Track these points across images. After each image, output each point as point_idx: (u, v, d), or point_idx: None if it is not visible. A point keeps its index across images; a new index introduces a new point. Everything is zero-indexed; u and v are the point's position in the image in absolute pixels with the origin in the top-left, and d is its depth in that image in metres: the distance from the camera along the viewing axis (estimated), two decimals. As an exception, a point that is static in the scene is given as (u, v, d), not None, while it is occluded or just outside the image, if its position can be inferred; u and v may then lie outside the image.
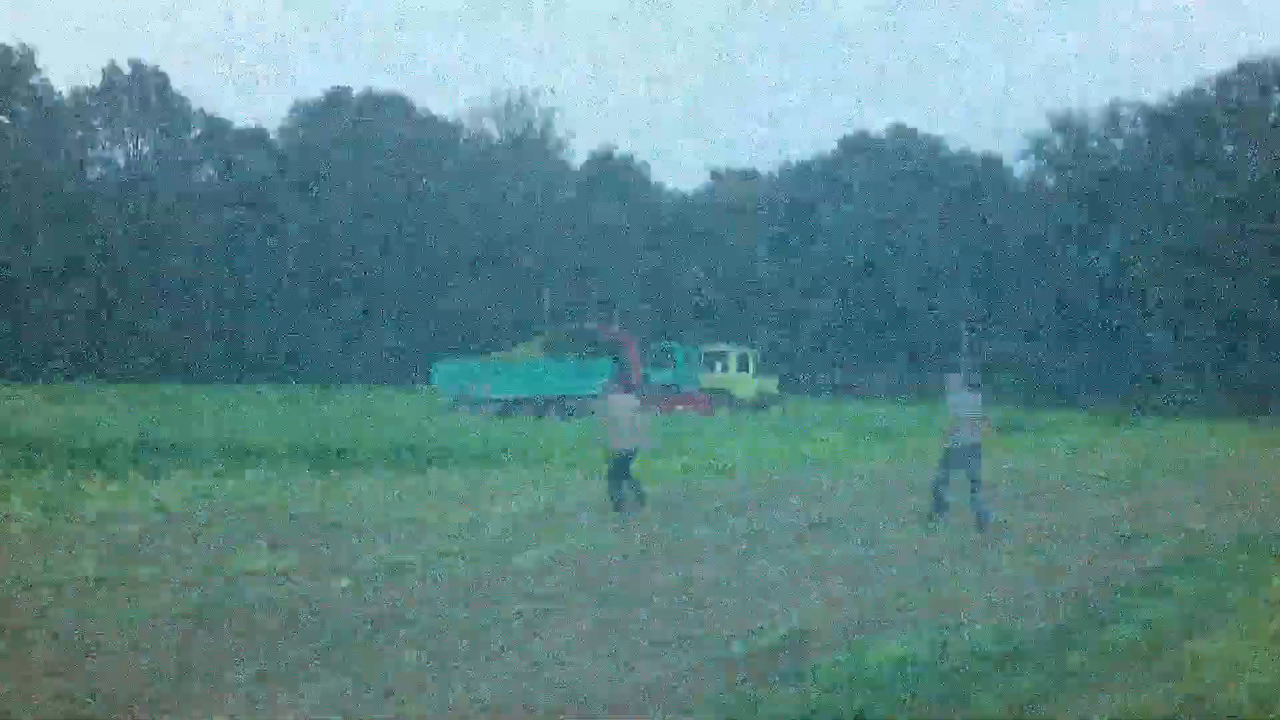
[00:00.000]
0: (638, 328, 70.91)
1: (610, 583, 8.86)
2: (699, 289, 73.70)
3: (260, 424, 22.81)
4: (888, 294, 63.02)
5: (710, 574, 9.31)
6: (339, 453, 17.11)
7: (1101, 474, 20.20)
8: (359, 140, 69.33)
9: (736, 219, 75.37)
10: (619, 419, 13.11)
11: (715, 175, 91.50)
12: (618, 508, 12.76)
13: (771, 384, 39.72)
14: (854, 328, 66.28)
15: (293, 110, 73.86)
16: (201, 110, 66.07)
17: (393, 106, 76.35)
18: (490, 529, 11.41)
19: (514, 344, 35.82)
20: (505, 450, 18.68)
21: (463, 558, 9.77)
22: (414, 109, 76.72)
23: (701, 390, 36.19)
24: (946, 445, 12.46)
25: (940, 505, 12.41)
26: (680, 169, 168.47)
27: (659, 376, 36.94)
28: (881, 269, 62.38)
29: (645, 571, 9.38)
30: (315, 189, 68.07)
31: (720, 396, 36.16)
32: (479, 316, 69.24)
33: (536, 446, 19.67)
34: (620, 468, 12.99)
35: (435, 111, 77.78)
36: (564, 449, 19.47)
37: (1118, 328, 59.02)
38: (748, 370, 38.30)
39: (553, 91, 78.80)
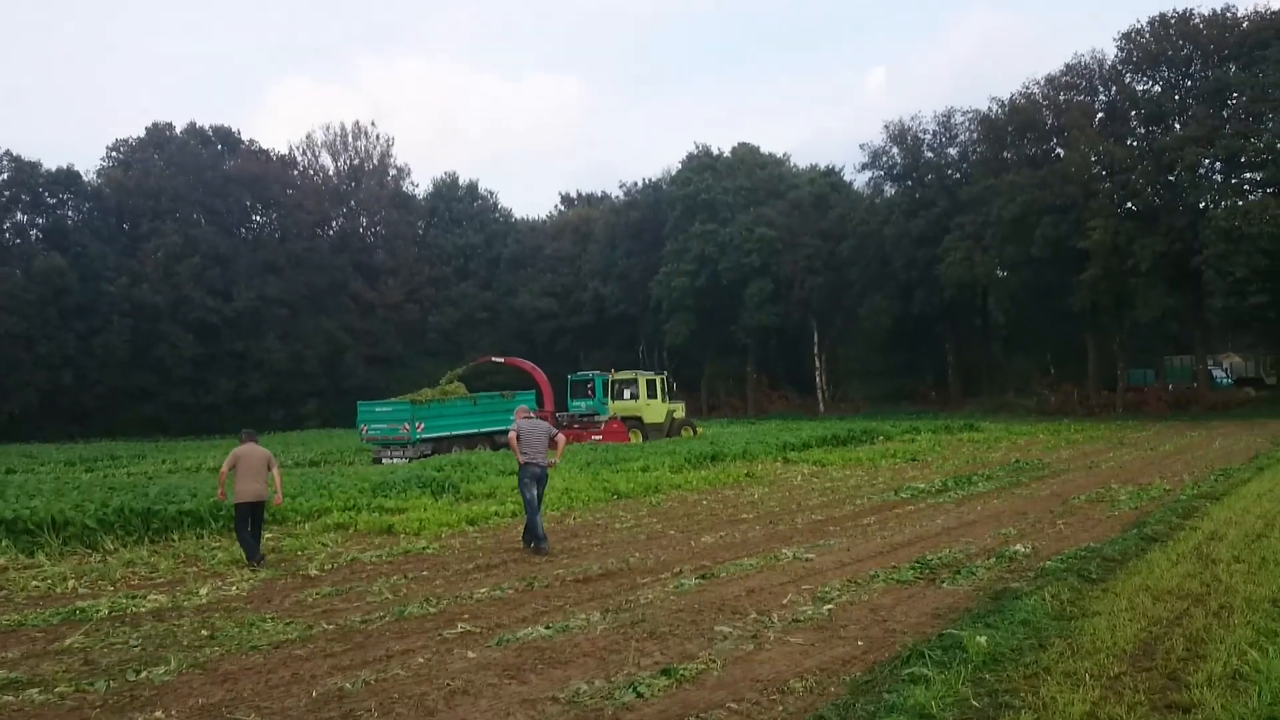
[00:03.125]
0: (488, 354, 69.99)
1: None
2: (552, 314, 72.13)
3: None
4: (736, 311, 62.24)
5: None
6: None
7: (922, 485, 19.12)
8: (186, 175, 65.77)
9: (584, 242, 74.32)
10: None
11: (565, 199, 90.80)
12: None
13: (680, 408, 38.90)
14: (707, 345, 65.59)
15: (111, 149, 70.15)
16: (8, 152, 61.65)
17: (220, 140, 73.17)
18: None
19: (418, 388, 34.86)
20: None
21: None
22: (242, 142, 73.46)
23: (614, 418, 35.59)
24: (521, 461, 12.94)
25: (533, 533, 12.67)
26: (532, 194, 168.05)
27: (576, 406, 37.04)
28: (730, 286, 61.46)
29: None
30: (132, 228, 64.43)
31: (631, 423, 35.48)
32: (319, 359, 66.71)
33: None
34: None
35: (266, 144, 75.11)
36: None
37: (960, 333, 59.70)
38: (656, 396, 37.23)
39: (373, 124, 75.79)
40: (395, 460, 29.36)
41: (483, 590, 9.98)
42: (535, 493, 12.94)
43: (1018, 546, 11.81)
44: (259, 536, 12.63)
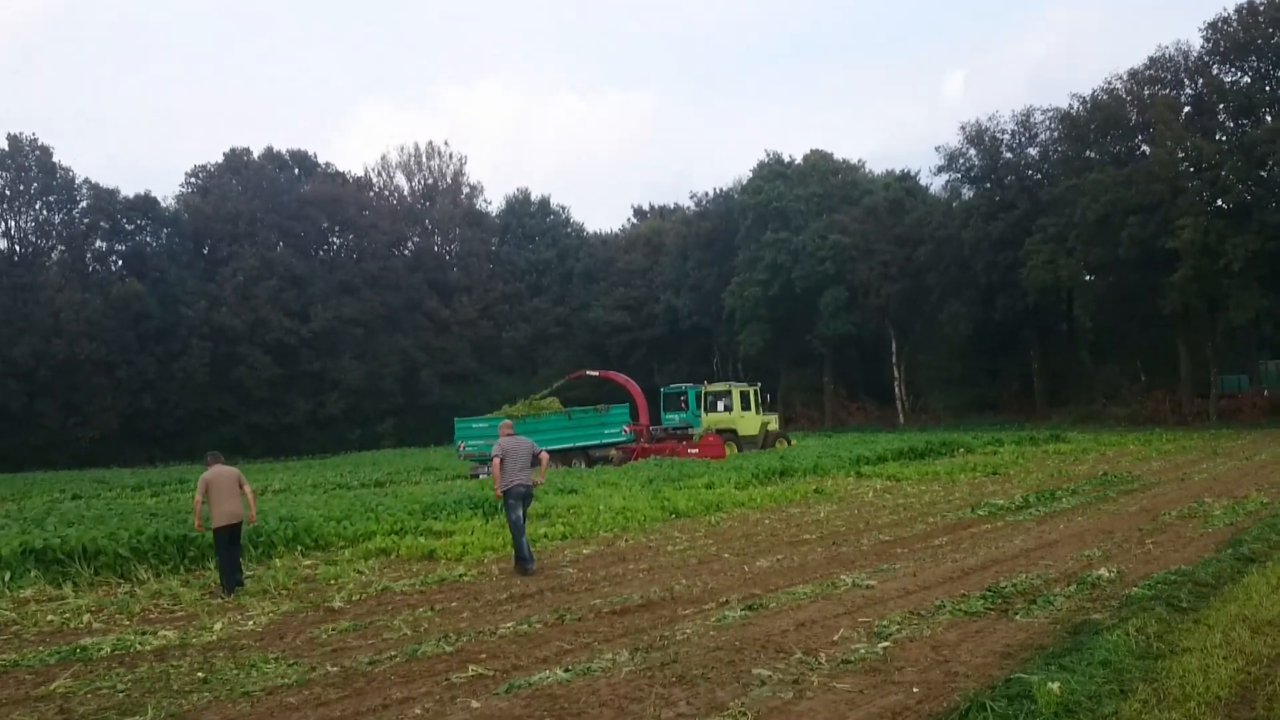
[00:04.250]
0: (565, 369, 69.78)
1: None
2: (625, 327, 71.61)
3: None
4: (811, 320, 61.00)
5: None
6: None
7: (1001, 502, 17.96)
8: (263, 199, 66.99)
9: (656, 254, 73.79)
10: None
11: (638, 212, 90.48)
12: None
13: (774, 420, 37.99)
14: (782, 356, 64.38)
15: (190, 175, 71.66)
16: (88, 180, 63.22)
17: (297, 163, 74.39)
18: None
19: (508, 404, 35.21)
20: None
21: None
22: (318, 165, 74.58)
23: (710, 431, 34.86)
24: (501, 489, 12.73)
25: (523, 559, 12.57)
26: (606, 209, 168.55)
27: (670, 419, 36.69)
28: (804, 295, 60.24)
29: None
30: (211, 252, 65.77)
31: (726, 436, 34.66)
32: (394, 378, 67.16)
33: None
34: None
35: (343, 167, 76.08)
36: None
37: (1045, 339, 57.67)
38: (750, 408, 36.35)
39: (446, 143, 76.50)
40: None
41: (508, 625, 9.25)
42: (521, 513, 12.71)
43: (1101, 570, 10.72)
44: (238, 559, 12.35)
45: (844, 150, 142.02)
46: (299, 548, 15.00)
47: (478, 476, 29.82)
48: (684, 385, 39.18)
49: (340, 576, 12.70)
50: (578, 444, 32.58)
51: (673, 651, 7.96)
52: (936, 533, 14.75)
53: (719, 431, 34.93)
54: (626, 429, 34.18)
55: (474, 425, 32.48)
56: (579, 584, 11.48)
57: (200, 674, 7.90)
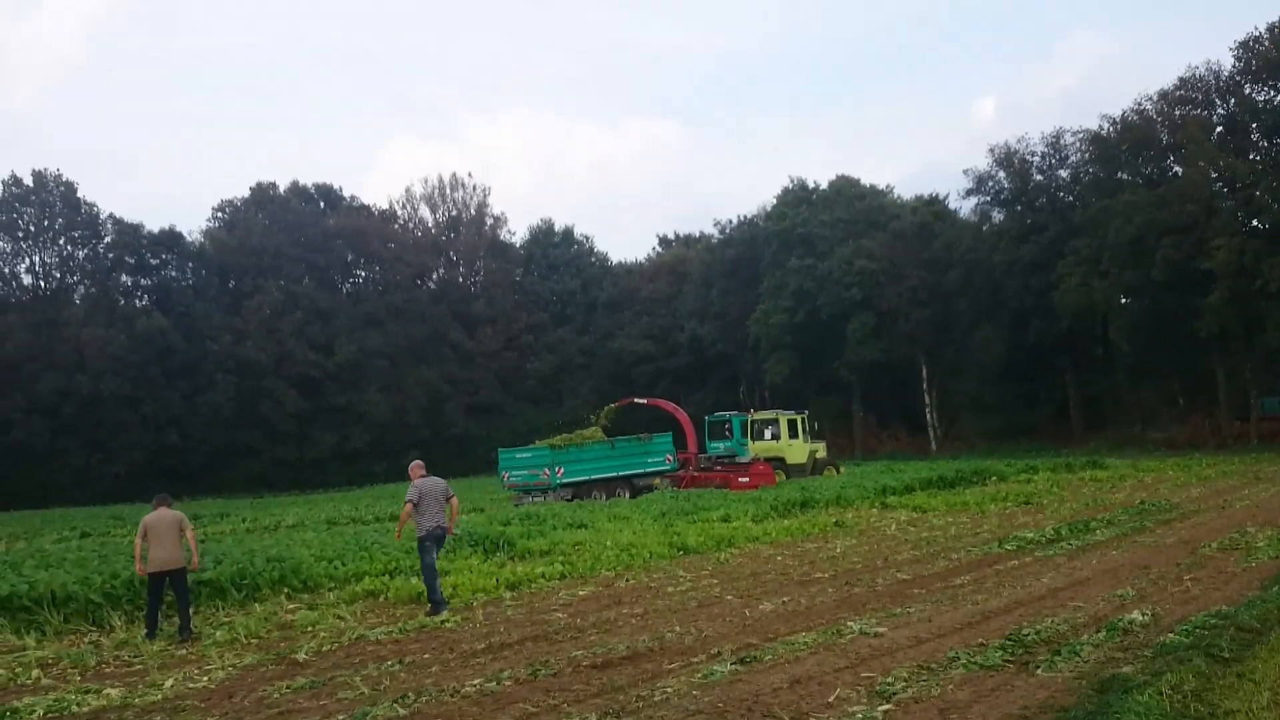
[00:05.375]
0: (590, 399, 69.11)
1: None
2: (649, 356, 70.79)
3: None
4: (838, 347, 59.92)
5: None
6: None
7: (1031, 534, 16.96)
8: (289, 232, 67.10)
9: (680, 282, 73.08)
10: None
11: (663, 241, 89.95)
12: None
13: (821, 448, 37.59)
14: (809, 383, 63.27)
15: (216, 209, 71.81)
16: (112, 215, 63.51)
17: (322, 197, 74.54)
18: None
19: (553, 434, 34.60)
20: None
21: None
22: (344, 198, 74.65)
23: (758, 459, 34.45)
24: (419, 533, 12.49)
25: (436, 602, 12.23)
26: (632, 239, 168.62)
27: (715, 447, 36.23)
28: (831, 321, 59.25)
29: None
30: (236, 286, 65.87)
31: (775, 464, 34.30)
32: (424, 411, 66.74)
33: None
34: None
35: (369, 200, 76.17)
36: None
37: (1080, 363, 56.34)
38: (798, 436, 36.09)
39: (470, 174, 76.65)
40: (536, 504, 28.95)
41: (475, 682, 8.42)
42: (434, 556, 12.56)
43: (1134, 614, 9.77)
44: (186, 607, 11.63)
45: (875, 178, 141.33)
46: (285, 590, 14.29)
47: (521, 505, 29.39)
48: (729, 413, 38.72)
49: (318, 623, 11.95)
50: (621, 473, 32.30)
51: (646, 715, 7.13)
52: (959, 570, 13.80)
53: (767, 460, 34.49)
54: (670, 458, 33.83)
55: (518, 456, 32.42)
56: (565, 631, 10.64)
57: (123, 742, 7.15)
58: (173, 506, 12.28)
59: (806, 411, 38.72)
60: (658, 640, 9.82)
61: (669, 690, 7.82)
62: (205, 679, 9.28)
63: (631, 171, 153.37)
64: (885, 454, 56.48)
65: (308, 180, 73.69)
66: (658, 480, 33.40)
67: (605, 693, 7.90)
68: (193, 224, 71.26)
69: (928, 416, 60.14)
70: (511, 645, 10.04)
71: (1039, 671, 7.88)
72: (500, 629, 10.97)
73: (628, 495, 30.85)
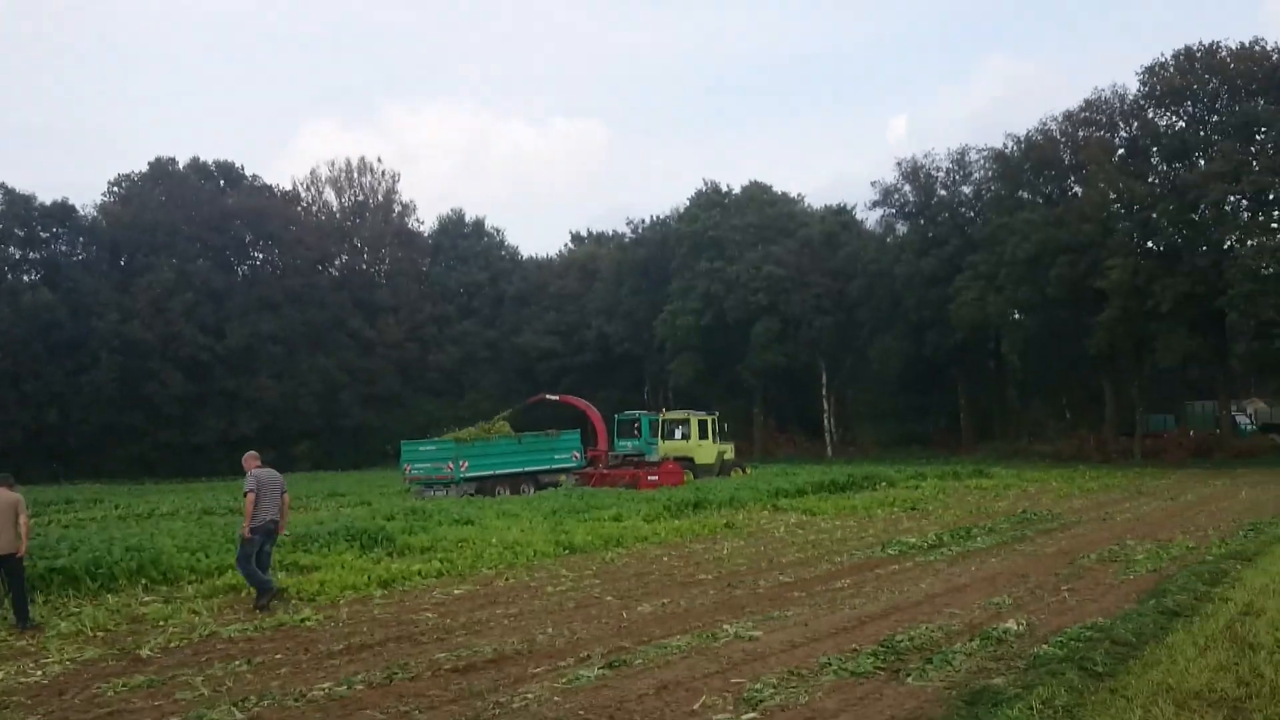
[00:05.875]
0: (493, 394, 68.25)
1: None
2: (555, 353, 70.18)
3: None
4: (743, 351, 60.22)
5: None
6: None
7: (914, 540, 16.99)
8: (185, 209, 64.74)
9: (590, 280, 72.66)
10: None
11: (575, 237, 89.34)
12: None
13: (729, 449, 38.04)
14: (713, 386, 63.39)
15: (113, 184, 69.03)
16: (3, 185, 60.64)
17: (223, 175, 72.11)
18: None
19: (456, 427, 34.73)
20: None
21: None
22: (245, 177, 72.29)
23: (668, 458, 34.67)
24: (250, 526, 11.89)
25: (262, 586, 11.82)
26: (551, 237, 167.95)
27: (623, 446, 36.31)
28: (737, 325, 59.52)
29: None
30: (127, 263, 63.41)
31: (684, 464, 34.55)
32: (314, 400, 65.13)
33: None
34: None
35: (269, 180, 74.00)
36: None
37: (973, 376, 57.51)
38: (708, 436, 36.49)
39: (379, 159, 75.26)
40: (438, 498, 28.59)
41: (325, 686, 7.93)
42: (266, 548, 12.28)
43: (1010, 623, 9.71)
44: (23, 596, 10.90)
45: (787, 188, 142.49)
46: (144, 581, 13.54)
47: (423, 498, 28.76)
48: (638, 412, 39.07)
49: (171, 617, 11.28)
50: (527, 469, 32.15)
51: (500, 724, 6.76)
52: (840, 574, 13.71)
53: (676, 459, 34.70)
54: (577, 455, 33.85)
55: (421, 448, 31.97)
56: (431, 632, 10.19)
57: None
58: (14, 488, 11.43)
59: (717, 413, 39.06)
60: (527, 643, 9.45)
61: (530, 696, 7.45)
62: (40, 673, 8.65)
63: (552, 169, 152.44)
64: (783, 457, 56.92)
65: (209, 157, 71.32)
66: (564, 477, 33.26)
67: (462, 699, 7.49)
68: (92, 199, 67.95)
69: (826, 422, 60.80)
70: (372, 646, 9.55)
71: (909, 680, 7.71)
72: (364, 629, 10.46)
73: (533, 490, 30.73)
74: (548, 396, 40.97)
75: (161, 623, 11.05)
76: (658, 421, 37.15)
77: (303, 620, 10.97)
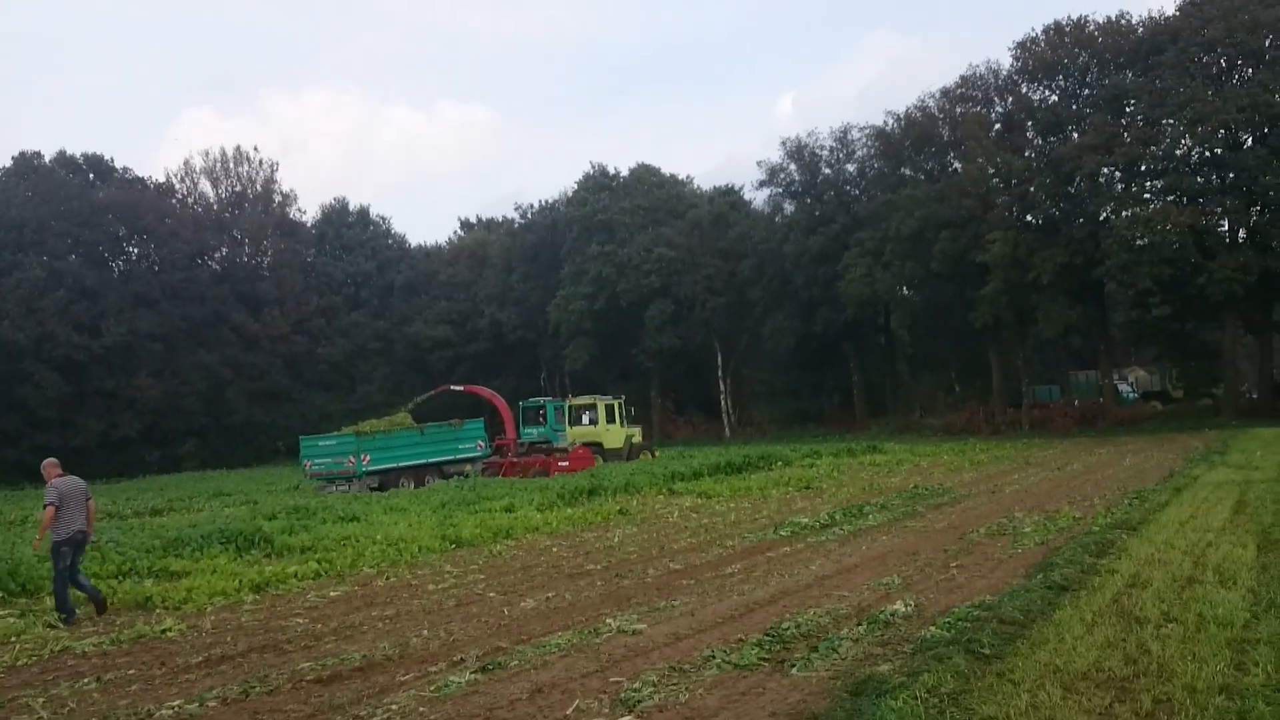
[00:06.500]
0: (384, 386, 66.85)
1: None
2: (448, 342, 69.01)
3: None
4: (637, 334, 60.06)
5: None
6: None
7: (806, 520, 16.91)
8: (53, 205, 61.70)
9: (480, 267, 71.68)
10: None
11: (465, 224, 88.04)
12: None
13: (637, 433, 38.02)
14: (609, 370, 63.15)
15: (-28, 179, 65.40)
16: None
17: (92, 168, 68.98)
18: None
19: (360, 420, 34.19)
20: None
21: None
22: (116, 170, 69.26)
23: (577, 444, 34.33)
24: (56, 538, 11.29)
25: (64, 606, 11.21)
26: (440, 223, 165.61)
27: (528, 433, 36.21)
28: (630, 308, 59.28)
29: None
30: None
31: (592, 449, 34.35)
32: (196, 397, 62.96)
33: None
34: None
35: (143, 173, 70.90)
36: None
37: (864, 352, 58.29)
38: (615, 420, 36.18)
39: (255, 148, 72.83)
40: (341, 493, 28.19)
41: (175, 704, 7.36)
42: (71, 560, 11.49)
43: (898, 605, 9.56)
44: None
45: (678, 170, 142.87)
46: (1, 594, 12.70)
47: (325, 493, 28.73)
48: (543, 399, 39.15)
49: (24, 632, 10.57)
50: (432, 460, 32.17)
51: (360, 739, 6.30)
52: (732, 559, 13.50)
53: (585, 445, 34.57)
54: (481, 444, 33.81)
55: (321, 444, 31.64)
56: (299, 639, 9.63)
57: None
58: None
59: (623, 397, 39.01)
60: (400, 647, 8.96)
61: (395, 707, 6.99)
62: None
63: (441, 156, 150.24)
64: (682, 440, 57.03)
65: (76, 150, 68.18)
66: (469, 467, 32.98)
67: (321, 713, 7.00)
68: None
69: (723, 403, 61.03)
70: (233, 657, 8.97)
71: (794, 671, 7.46)
72: (227, 638, 9.85)
73: (438, 481, 30.63)
74: (452, 387, 40.74)
75: (13, 638, 10.33)
76: (563, 408, 36.99)
77: (164, 631, 10.32)
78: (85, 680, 8.29)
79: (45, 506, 11.32)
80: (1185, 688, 6.37)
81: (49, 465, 12.00)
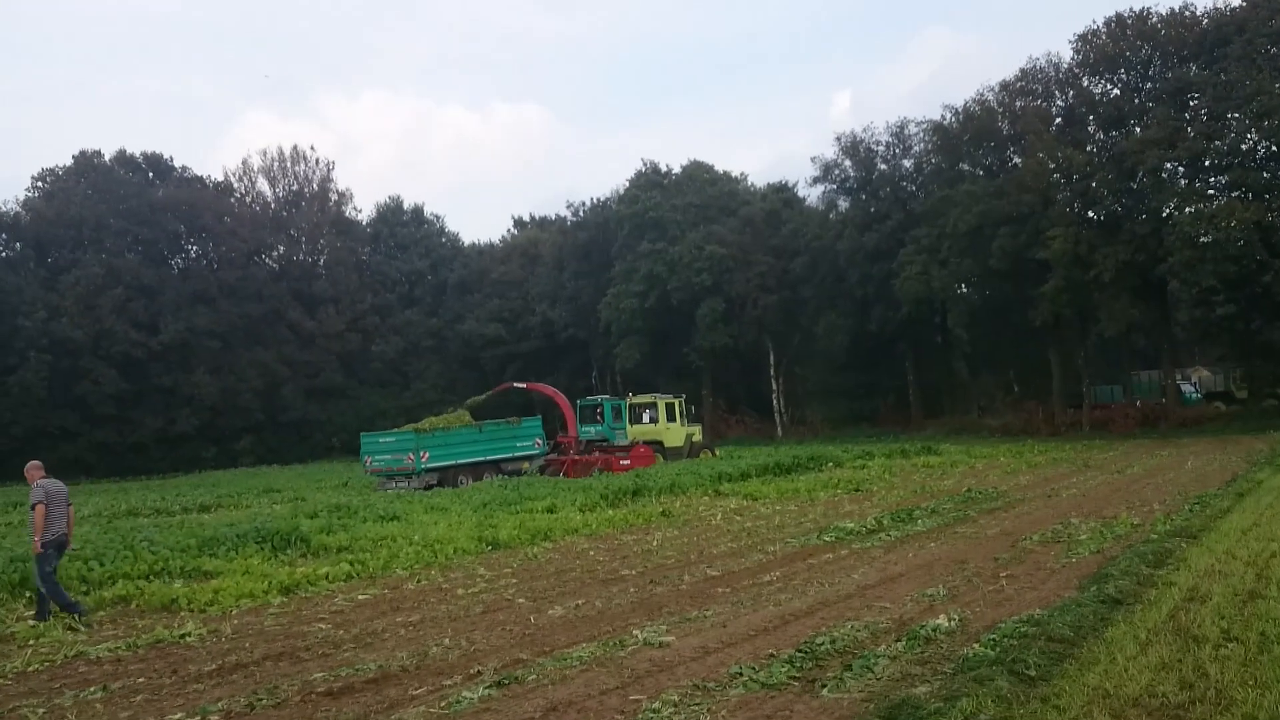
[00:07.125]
0: (438, 383, 67.07)
1: None
2: (500, 340, 69.02)
3: None
4: (689, 332, 59.58)
5: None
6: None
7: (852, 525, 16.37)
8: (112, 203, 62.77)
9: (532, 265, 71.62)
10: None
11: (517, 223, 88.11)
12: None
13: (697, 431, 37.93)
14: (660, 369, 62.71)
15: (37, 179, 66.76)
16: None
17: (151, 167, 70.06)
18: None
19: (413, 417, 35.49)
20: None
21: None
22: (174, 169, 70.27)
23: (638, 442, 34.42)
24: (42, 539, 11.11)
25: (69, 605, 11.19)
26: (494, 222, 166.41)
27: (586, 431, 35.86)
28: (681, 306, 58.80)
29: None
30: (54, 260, 61.37)
31: (653, 447, 34.42)
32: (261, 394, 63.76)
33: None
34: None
35: (201, 172, 71.85)
36: None
37: (920, 351, 57.24)
38: (675, 419, 36.30)
39: (312, 148, 73.47)
40: (400, 489, 28.70)
41: (176, 716, 7.11)
42: (55, 565, 11.43)
43: (940, 619, 9.05)
44: None
45: (730, 167, 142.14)
46: (28, 594, 12.60)
47: (385, 490, 29.06)
48: (600, 397, 38.86)
49: (43, 636, 10.42)
50: (489, 457, 32.19)
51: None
52: (771, 565, 13.03)
53: (645, 444, 34.51)
54: (539, 442, 33.83)
55: (381, 440, 31.88)
56: (318, 646, 9.36)
57: None
58: None
59: (683, 396, 38.79)
60: (418, 657, 8.64)
61: (403, 724, 6.67)
62: None
63: (495, 155, 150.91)
64: (734, 439, 56.42)
65: (136, 150, 69.24)
66: (527, 464, 33.09)
67: (324, 729, 6.70)
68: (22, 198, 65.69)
69: (775, 402, 60.31)
70: (247, 665, 8.71)
71: (824, 692, 7.00)
72: (246, 645, 9.61)
73: (497, 477, 30.71)
74: (515, 385, 40.79)
75: (31, 642, 10.19)
76: (620, 406, 36.62)
77: (183, 636, 10.11)
78: (91, 689, 8.07)
79: (34, 506, 11.18)
80: (1245, 718, 5.82)
81: (33, 467, 11.91)
